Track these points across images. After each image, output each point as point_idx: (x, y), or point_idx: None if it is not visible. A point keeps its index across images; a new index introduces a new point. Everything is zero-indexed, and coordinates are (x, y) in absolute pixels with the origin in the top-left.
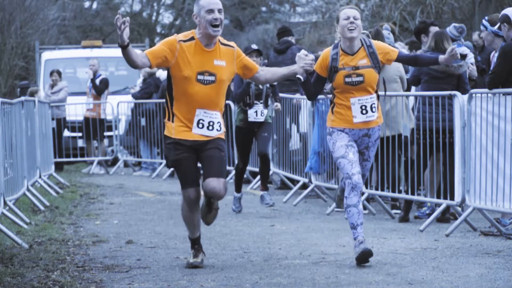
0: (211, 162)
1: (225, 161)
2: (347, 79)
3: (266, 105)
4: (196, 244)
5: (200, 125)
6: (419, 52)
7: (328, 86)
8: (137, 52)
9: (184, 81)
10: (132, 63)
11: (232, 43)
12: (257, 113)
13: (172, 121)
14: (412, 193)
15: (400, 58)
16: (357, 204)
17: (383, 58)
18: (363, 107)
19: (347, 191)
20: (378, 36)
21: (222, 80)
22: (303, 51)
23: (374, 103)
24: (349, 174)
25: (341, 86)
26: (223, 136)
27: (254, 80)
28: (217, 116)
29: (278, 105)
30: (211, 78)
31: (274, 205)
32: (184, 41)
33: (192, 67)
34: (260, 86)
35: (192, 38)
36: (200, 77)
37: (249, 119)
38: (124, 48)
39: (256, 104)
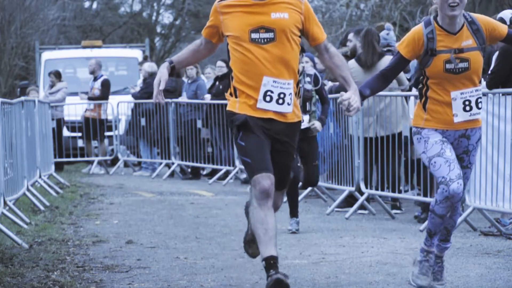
0: (277, 171)
1: (291, 167)
2: (448, 66)
3: (304, 110)
4: (272, 267)
5: (268, 98)
6: None
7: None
8: (192, 48)
9: (238, 45)
10: (202, 58)
11: None
12: None
13: (236, 96)
14: (425, 194)
15: (510, 37)
16: (444, 216)
17: (490, 36)
18: (467, 103)
19: (440, 197)
20: (367, 36)
21: (284, 36)
22: (345, 97)
23: (480, 97)
24: (446, 180)
25: (440, 75)
26: (300, 118)
27: (319, 57)
28: (289, 86)
29: (315, 124)
30: (269, 35)
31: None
32: None
33: (242, 25)
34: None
35: None
36: (254, 35)
37: None
38: (173, 69)
39: None
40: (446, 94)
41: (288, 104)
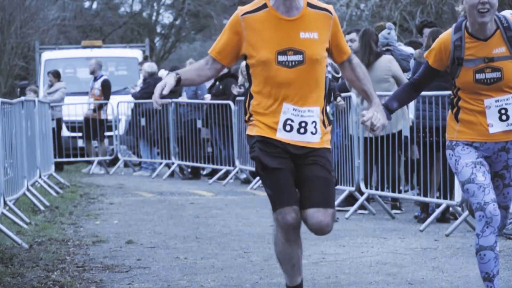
0: (313, 185)
1: (333, 184)
2: (479, 76)
3: (329, 100)
4: None
5: (288, 127)
6: (417, 51)
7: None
8: (197, 66)
9: (262, 68)
10: (206, 81)
11: (329, 7)
12: None
13: (252, 122)
14: (425, 195)
15: None
16: (494, 245)
17: None
18: (503, 111)
19: (480, 226)
20: (365, 36)
21: (313, 60)
22: (366, 117)
23: None
24: (481, 204)
25: (470, 85)
26: (328, 145)
27: (340, 69)
28: (312, 114)
29: (341, 100)
30: (297, 57)
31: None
32: (251, 11)
33: (269, 46)
34: None
35: (264, 6)
36: (281, 58)
37: None
38: (179, 81)
39: None
40: (479, 103)
41: (312, 133)
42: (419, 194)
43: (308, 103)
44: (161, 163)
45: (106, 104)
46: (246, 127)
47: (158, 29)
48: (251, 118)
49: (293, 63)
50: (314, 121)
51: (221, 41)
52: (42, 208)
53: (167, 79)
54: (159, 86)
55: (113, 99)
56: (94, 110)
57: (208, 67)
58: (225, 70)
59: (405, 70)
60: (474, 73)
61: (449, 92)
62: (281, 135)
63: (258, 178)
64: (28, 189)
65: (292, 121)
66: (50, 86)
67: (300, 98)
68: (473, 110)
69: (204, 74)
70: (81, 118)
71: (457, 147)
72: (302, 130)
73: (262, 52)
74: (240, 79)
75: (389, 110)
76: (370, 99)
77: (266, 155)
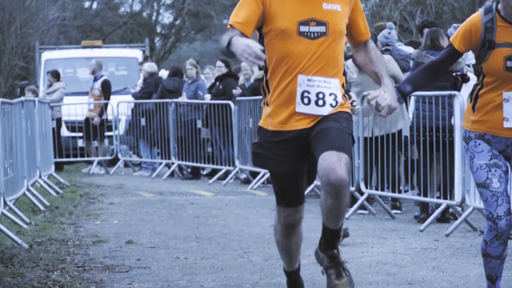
0: (327, 134)
1: (348, 135)
2: (510, 63)
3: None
4: (293, 278)
5: (306, 100)
6: (415, 52)
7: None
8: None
9: (281, 38)
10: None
11: None
12: None
13: (268, 104)
14: (425, 195)
15: None
16: (501, 254)
17: None
18: None
19: (489, 236)
20: None
21: (337, 32)
22: (371, 96)
23: None
24: (493, 216)
25: (499, 73)
26: (347, 109)
27: (355, 52)
28: (329, 85)
29: (357, 105)
30: (320, 28)
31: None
32: None
33: (290, 16)
34: None
35: None
36: (303, 28)
37: None
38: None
39: None
40: (499, 94)
41: (332, 105)
42: (419, 194)
43: (326, 73)
44: (161, 163)
45: (106, 104)
46: (261, 110)
47: (158, 29)
48: (268, 101)
49: (316, 34)
50: (332, 93)
51: (244, 12)
52: (42, 208)
53: (246, 39)
54: (250, 44)
55: (113, 99)
56: (100, 115)
57: None
58: (224, 70)
59: (404, 70)
60: (505, 59)
61: (449, 92)
62: (300, 109)
63: (258, 178)
64: (28, 189)
65: (308, 92)
66: (49, 86)
67: (318, 71)
68: (492, 100)
69: None
70: (81, 118)
71: (470, 141)
72: (320, 102)
73: (282, 21)
74: (241, 79)
75: (401, 93)
76: (380, 80)
77: (272, 158)
